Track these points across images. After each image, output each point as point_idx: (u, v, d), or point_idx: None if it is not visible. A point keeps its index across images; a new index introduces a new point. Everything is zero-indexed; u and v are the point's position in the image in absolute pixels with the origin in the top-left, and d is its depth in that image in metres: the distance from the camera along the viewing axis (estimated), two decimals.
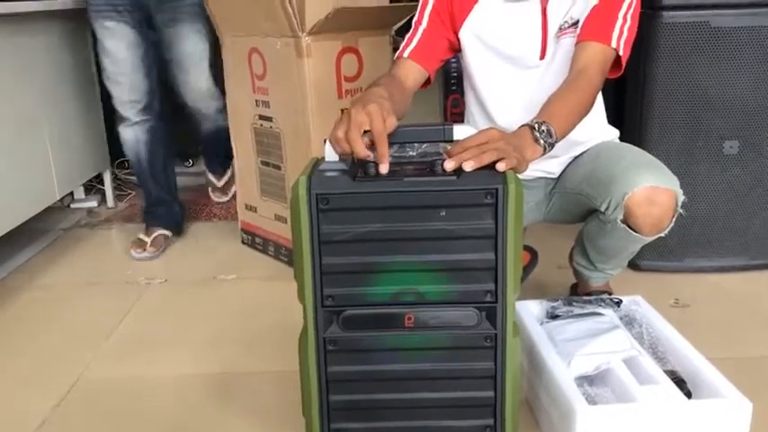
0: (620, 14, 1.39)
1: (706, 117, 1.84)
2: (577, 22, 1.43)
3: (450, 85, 2.44)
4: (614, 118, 1.67)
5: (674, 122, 1.86)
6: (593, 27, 1.39)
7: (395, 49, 1.60)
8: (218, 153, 2.62)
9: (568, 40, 1.44)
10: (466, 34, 1.50)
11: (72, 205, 2.82)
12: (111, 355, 1.67)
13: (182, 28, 2.19)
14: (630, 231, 1.40)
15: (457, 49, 1.54)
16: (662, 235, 1.42)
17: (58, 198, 2.45)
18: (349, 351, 1.08)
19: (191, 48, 2.22)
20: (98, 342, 1.72)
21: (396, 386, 1.10)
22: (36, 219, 2.32)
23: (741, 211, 1.92)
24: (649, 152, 1.50)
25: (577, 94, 1.31)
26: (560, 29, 1.45)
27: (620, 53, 1.39)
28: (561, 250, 1.80)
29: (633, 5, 1.40)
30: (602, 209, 1.41)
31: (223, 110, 2.34)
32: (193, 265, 2.21)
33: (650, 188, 1.35)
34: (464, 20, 1.49)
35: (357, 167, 1.05)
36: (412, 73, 1.45)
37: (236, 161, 2.32)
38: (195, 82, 2.29)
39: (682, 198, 1.38)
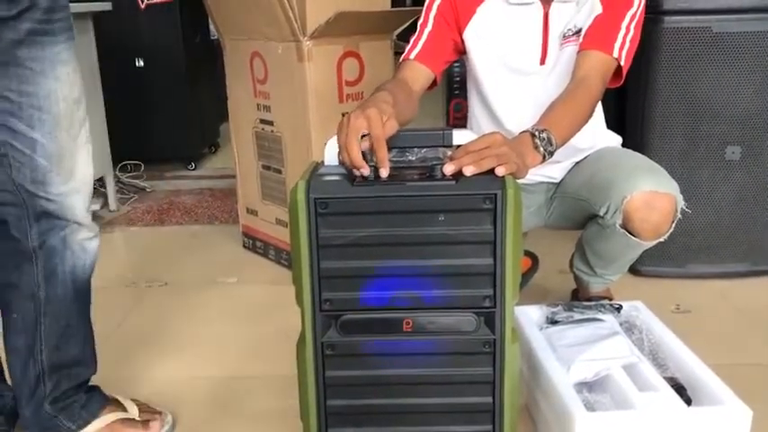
0: (624, 24, 1.39)
1: (708, 123, 1.84)
2: (580, 30, 1.43)
3: (453, 89, 2.44)
4: (616, 123, 1.66)
5: (675, 128, 1.85)
6: (596, 36, 1.39)
7: (396, 53, 1.60)
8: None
9: (571, 49, 1.44)
10: (470, 36, 1.50)
11: None
12: (110, 358, 1.66)
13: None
14: (629, 236, 1.39)
15: (462, 51, 1.54)
16: (661, 240, 1.41)
17: None
18: (347, 356, 1.08)
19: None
20: (98, 345, 1.71)
21: (394, 391, 1.09)
22: None
23: (743, 217, 1.92)
24: (651, 158, 1.50)
25: (577, 103, 1.31)
26: (564, 37, 1.45)
27: (622, 63, 1.38)
28: (563, 255, 1.79)
29: (637, 16, 1.40)
30: (601, 213, 1.41)
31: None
32: (194, 268, 2.21)
33: (649, 193, 1.35)
34: (468, 22, 1.49)
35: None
36: (419, 75, 1.45)
37: (237, 165, 2.32)
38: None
39: (681, 203, 1.38)
